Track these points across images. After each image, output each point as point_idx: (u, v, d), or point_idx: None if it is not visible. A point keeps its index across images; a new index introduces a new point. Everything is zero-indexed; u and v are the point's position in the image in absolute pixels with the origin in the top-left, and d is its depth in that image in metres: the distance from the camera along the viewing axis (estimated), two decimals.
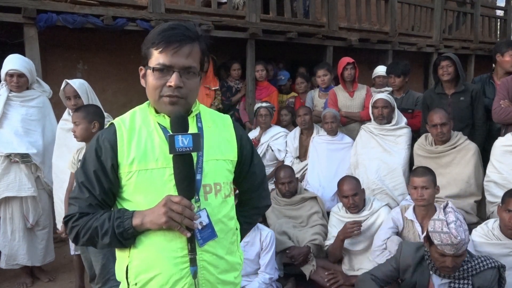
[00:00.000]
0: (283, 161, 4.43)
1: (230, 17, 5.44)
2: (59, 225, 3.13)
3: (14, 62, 3.28)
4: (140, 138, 1.34)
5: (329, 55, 6.41)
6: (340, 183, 3.27)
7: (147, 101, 1.43)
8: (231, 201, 1.44)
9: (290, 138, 4.45)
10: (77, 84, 3.08)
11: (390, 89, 4.56)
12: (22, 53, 3.76)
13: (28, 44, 4.18)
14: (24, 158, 3.28)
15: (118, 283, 2.97)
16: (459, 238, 2.08)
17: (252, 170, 1.54)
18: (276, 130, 4.58)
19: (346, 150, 4.07)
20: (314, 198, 3.64)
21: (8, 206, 3.34)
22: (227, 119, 1.51)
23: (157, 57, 1.30)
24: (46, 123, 3.45)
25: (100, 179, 1.31)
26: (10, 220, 3.35)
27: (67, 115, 3.16)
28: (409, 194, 3.02)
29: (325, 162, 4.07)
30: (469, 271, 2.26)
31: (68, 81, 3.08)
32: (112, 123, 1.38)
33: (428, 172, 2.91)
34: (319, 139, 4.19)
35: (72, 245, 3.21)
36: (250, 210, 1.61)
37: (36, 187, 3.37)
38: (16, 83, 3.29)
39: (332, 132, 4.09)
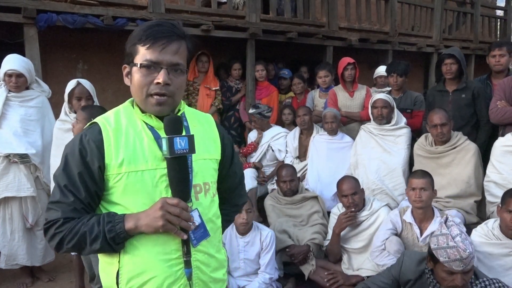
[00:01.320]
0: (283, 161, 4.43)
1: (230, 17, 5.44)
2: None
3: (12, 62, 3.27)
4: (128, 138, 1.29)
5: (329, 55, 6.41)
6: (340, 182, 3.28)
7: (130, 100, 1.40)
8: (217, 200, 1.46)
9: (289, 138, 4.45)
10: (88, 84, 3.09)
11: (389, 89, 4.56)
12: (22, 53, 3.76)
13: (28, 44, 4.18)
14: (23, 158, 3.27)
15: None
16: (468, 251, 2.00)
17: (233, 169, 1.55)
18: (276, 130, 4.58)
19: (346, 149, 4.08)
20: (315, 197, 3.65)
21: (7, 206, 3.34)
22: (209, 118, 1.51)
23: (143, 54, 1.26)
24: (45, 123, 3.44)
25: (86, 182, 1.25)
26: (9, 220, 3.35)
27: (64, 115, 3.12)
28: (407, 196, 3.02)
29: (325, 161, 4.08)
30: None
31: (80, 81, 3.06)
32: (95, 123, 1.33)
33: (427, 174, 2.93)
34: (320, 138, 4.19)
35: None
36: (230, 208, 1.62)
37: (36, 187, 3.36)
38: (15, 83, 3.28)
39: (333, 132, 4.10)
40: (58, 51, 5.22)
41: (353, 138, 4.10)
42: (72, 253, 3.22)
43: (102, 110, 2.82)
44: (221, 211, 1.52)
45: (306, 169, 4.22)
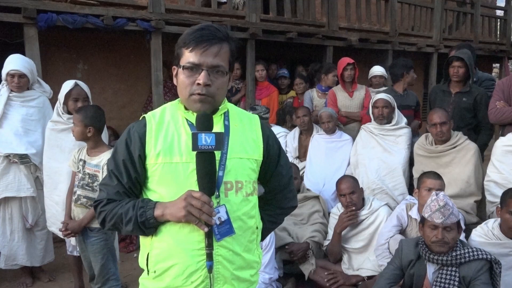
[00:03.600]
0: None
1: (230, 17, 5.44)
2: (53, 227, 3.12)
3: (15, 62, 3.27)
4: (168, 132, 1.40)
5: (329, 55, 6.41)
6: (338, 182, 3.29)
7: (179, 98, 1.48)
8: (254, 200, 1.46)
9: (289, 138, 4.45)
10: (85, 86, 3.09)
11: (386, 88, 4.58)
12: (22, 53, 3.75)
13: (28, 44, 4.18)
14: (23, 159, 3.26)
15: (118, 283, 2.98)
16: (445, 200, 2.31)
17: (278, 170, 1.56)
18: (276, 130, 4.57)
19: (345, 147, 4.09)
20: (316, 197, 3.66)
21: (7, 207, 3.34)
22: (255, 119, 1.54)
23: (187, 56, 1.36)
24: (46, 123, 3.42)
25: (128, 169, 1.38)
26: (9, 221, 3.35)
27: (56, 116, 3.10)
28: (415, 196, 2.99)
29: (324, 160, 4.08)
30: (457, 258, 2.30)
31: (78, 82, 3.07)
32: (144, 117, 1.46)
33: (440, 176, 2.94)
34: (319, 138, 4.20)
35: (68, 245, 3.20)
36: (274, 210, 1.63)
37: (36, 187, 3.36)
38: (17, 84, 3.28)
39: (330, 131, 4.10)
40: (58, 51, 5.23)
41: (353, 138, 4.11)
42: (68, 253, 3.22)
43: (97, 109, 2.83)
44: (266, 212, 1.56)
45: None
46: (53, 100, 3.68)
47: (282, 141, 4.48)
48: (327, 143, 4.13)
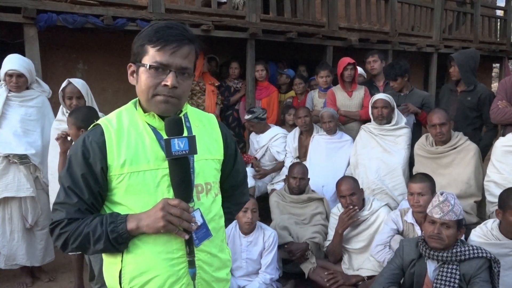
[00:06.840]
0: (282, 162, 4.43)
1: (230, 17, 5.43)
2: None
3: (13, 62, 3.27)
4: (130, 139, 1.30)
5: (329, 55, 6.40)
6: (338, 183, 3.28)
7: (132, 101, 1.41)
8: (219, 200, 1.46)
9: (289, 138, 4.45)
10: (80, 84, 3.09)
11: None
12: (22, 53, 3.75)
13: (28, 44, 4.18)
14: (23, 159, 3.26)
15: None
16: (446, 196, 2.33)
17: (236, 167, 1.57)
18: (274, 131, 4.56)
19: (345, 148, 4.09)
20: (321, 199, 3.66)
21: (7, 207, 3.34)
22: (212, 118, 1.52)
23: (153, 55, 1.27)
24: (45, 123, 3.44)
25: (89, 183, 1.26)
26: (9, 221, 3.35)
27: (61, 115, 3.13)
28: (407, 200, 3.02)
29: (324, 160, 4.08)
30: (458, 255, 2.31)
31: (71, 80, 3.07)
32: (97, 124, 1.34)
33: (426, 178, 2.94)
34: (319, 138, 4.20)
35: None
36: (232, 206, 1.63)
37: (35, 187, 3.36)
38: (16, 83, 3.28)
39: (331, 131, 4.10)
40: (58, 51, 5.22)
41: (353, 137, 4.11)
42: (71, 253, 3.22)
43: (88, 110, 2.82)
44: (224, 209, 1.53)
45: None
46: (52, 100, 3.68)
47: (280, 142, 4.49)
48: (328, 144, 4.13)
